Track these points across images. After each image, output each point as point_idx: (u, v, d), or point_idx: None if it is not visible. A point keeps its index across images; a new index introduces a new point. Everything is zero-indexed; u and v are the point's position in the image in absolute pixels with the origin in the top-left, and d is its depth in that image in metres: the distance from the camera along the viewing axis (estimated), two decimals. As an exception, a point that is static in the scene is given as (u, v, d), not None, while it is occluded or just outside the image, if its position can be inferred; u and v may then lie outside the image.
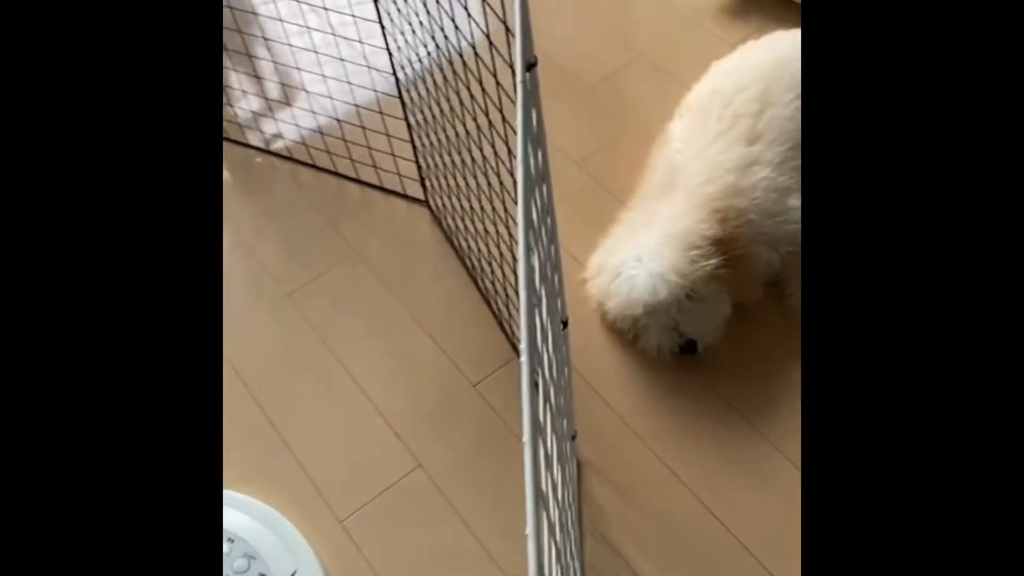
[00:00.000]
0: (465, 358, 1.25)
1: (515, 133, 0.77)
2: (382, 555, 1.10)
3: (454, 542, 1.10)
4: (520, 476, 1.13)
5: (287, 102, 1.46)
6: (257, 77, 1.51)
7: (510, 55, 0.76)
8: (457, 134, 1.11)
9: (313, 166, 1.49)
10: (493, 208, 1.07)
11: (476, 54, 0.88)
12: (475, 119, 0.99)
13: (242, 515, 1.10)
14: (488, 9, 0.79)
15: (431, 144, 1.25)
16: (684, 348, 1.19)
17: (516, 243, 1.01)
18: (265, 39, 1.41)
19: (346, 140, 1.42)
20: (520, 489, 1.12)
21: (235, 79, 1.56)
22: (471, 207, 1.18)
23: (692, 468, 1.13)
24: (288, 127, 1.49)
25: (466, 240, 1.29)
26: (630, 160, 1.37)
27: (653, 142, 1.35)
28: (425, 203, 1.42)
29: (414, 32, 1.08)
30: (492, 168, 1.02)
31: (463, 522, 1.11)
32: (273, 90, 1.50)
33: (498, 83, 0.84)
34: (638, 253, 1.19)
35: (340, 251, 1.38)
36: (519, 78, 0.59)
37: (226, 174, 1.49)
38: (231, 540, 1.08)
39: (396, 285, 1.34)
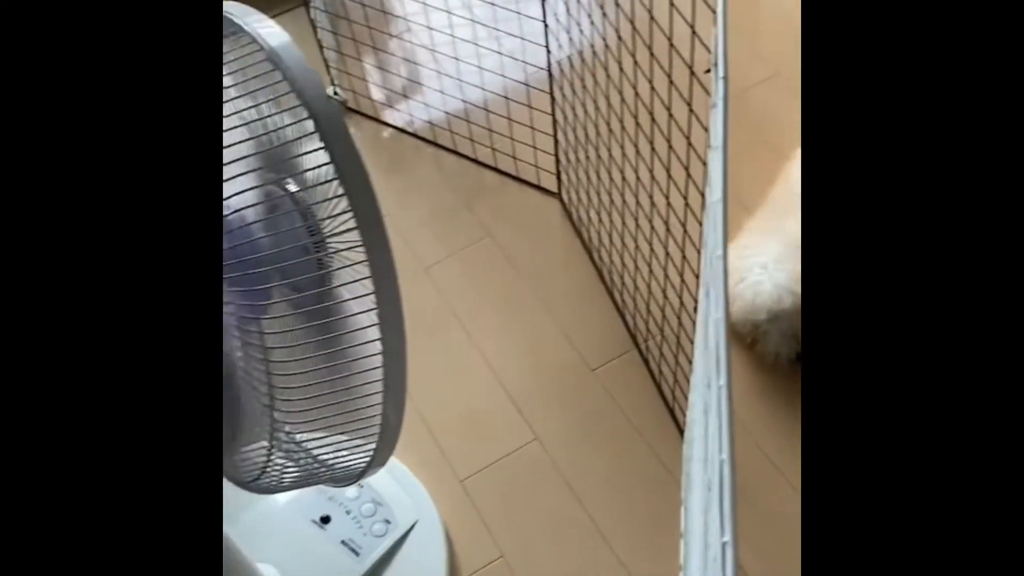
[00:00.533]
0: (586, 344, 1.32)
1: (682, 131, 0.83)
2: (497, 516, 1.17)
3: (564, 513, 1.17)
4: (631, 457, 1.19)
5: (440, 89, 1.55)
6: (413, 63, 1.61)
7: (691, 56, 0.82)
8: (611, 130, 1.18)
9: (455, 151, 1.58)
10: (637, 202, 1.13)
11: (652, 55, 0.95)
12: (635, 116, 1.06)
13: (371, 464, 1.19)
14: (675, 12, 0.86)
15: (576, 139, 1.32)
16: (801, 356, 1.23)
17: (671, 237, 1.07)
18: (429, 28, 1.50)
19: (491, 130, 1.51)
20: (630, 468, 1.18)
21: (388, 62, 1.66)
22: (611, 201, 1.24)
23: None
24: (437, 113, 1.59)
25: (597, 233, 1.36)
26: (761, 171, 1.42)
27: (787, 158, 1.40)
28: (557, 196, 1.50)
29: (581, 31, 1.15)
30: (645, 164, 1.09)
31: (574, 496, 1.18)
32: (425, 76, 1.59)
33: (671, 82, 0.91)
34: (764, 261, 1.24)
35: (475, 233, 1.47)
36: (719, 73, 0.66)
37: (374, 153, 1.59)
38: (360, 486, 1.16)
39: (525, 269, 1.41)
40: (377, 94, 1.66)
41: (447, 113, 1.57)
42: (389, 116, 1.64)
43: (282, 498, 1.15)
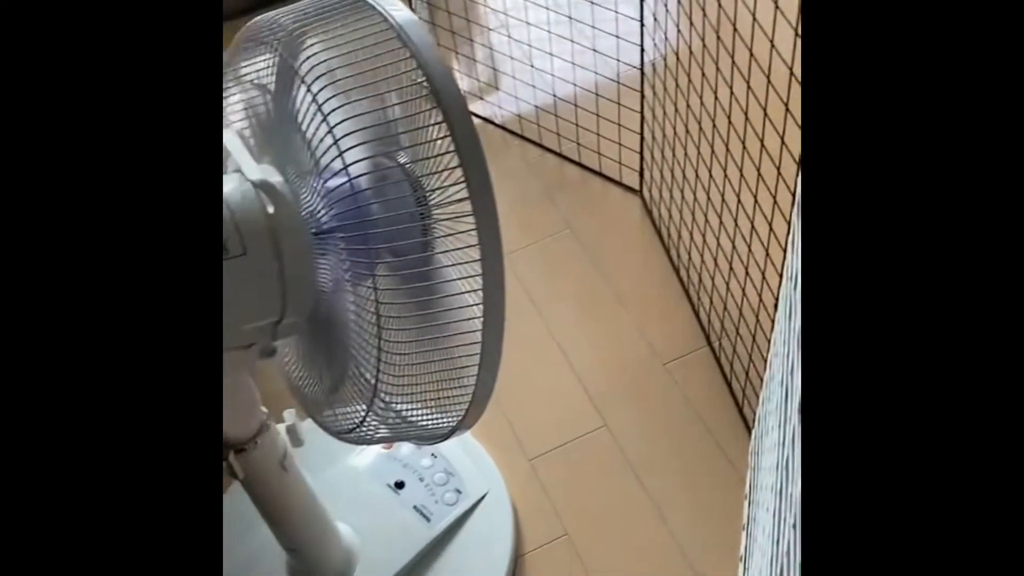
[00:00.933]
0: (658, 338, 1.35)
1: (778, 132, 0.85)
2: (563, 496, 1.21)
3: (628, 498, 1.20)
4: (697, 449, 1.22)
5: (531, 83, 1.60)
6: (507, 56, 1.65)
7: (791, 56, 0.85)
8: (701, 128, 1.21)
9: (540, 144, 1.62)
10: (723, 200, 1.16)
11: (752, 55, 0.97)
12: (728, 115, 1.09)
13: (445, 437, 1.24)
14: (778, 12, 0.89)
15: (664, 137, 1.35)
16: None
17: (756, 235, 1.09)
18: (527, 24, 1.54)
19: (578, 125, 1.54)
20: (695, 460, 1.21)
21: (482, 54, 1.71)
22: (694, 198, 1.27)
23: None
24: (526, 106, 1.63)
25: (677, 230, 1.39)
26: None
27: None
28: (639, 192, 1.53)
29: (679, 31, 1.18)
30: (734, 162, 1.11)
31: (639, 482, 1.21)
32: (518, 70, 1.64)
33: (769, 82, 0.93)
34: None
35: (556, 224, 1.51)
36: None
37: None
38: (434, 456, 1.21)
39: (603, 262, 1.45)
40: (467, 84, 1.71)
41: (536, 107, 1.62)
42: (477, 107, 1.69)
43: (361, 462, 1.20)
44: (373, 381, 0.75)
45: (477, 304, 0.71)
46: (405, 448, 1.21)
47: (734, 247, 1.14)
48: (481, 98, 1.70)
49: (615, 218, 1.51)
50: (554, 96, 1.56)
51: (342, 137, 0.67)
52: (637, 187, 1.53)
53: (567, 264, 1.46)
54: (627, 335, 1.36)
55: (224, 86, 0.81)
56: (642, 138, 1.45)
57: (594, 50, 1.43)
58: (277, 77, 0.75)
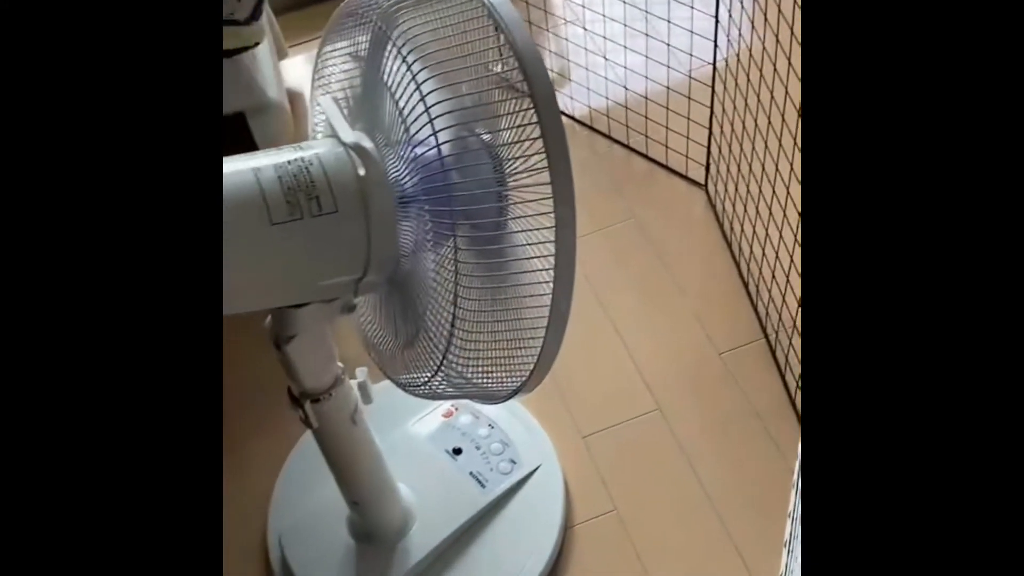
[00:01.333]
0: (716, 329, 1.38)
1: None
2: (613, 473, 1.25)
3: (678, 480, 1.23)
4: (748, 437, 1.24)
5: (604, 76, 1.63)
6: (582, 47, 1.69)
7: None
8: (770, 123, 1.23)
9: (608, 136, 1.66)
10: (788, 195, 1.19)
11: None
12: (799, 112, 1.11)
13: (503, 410, 1.28)
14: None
15: (733, 132, 1.38)
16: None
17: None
18: (604, 17, 1.58)
19: (648, 118, 1.58)
20: (745, 447, 1.23)
21: (556, 45, 1.75)
22: (759, 193, 1.30)
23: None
24: (597, 98, 1.67)
25: (740, 225, 1.41)
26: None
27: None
28: (703, 187, 1.56)
29: (753, 29, 1.21)
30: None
31: (689, 465, 1.24)
32: (592, 63, 1.68)
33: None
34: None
35: (621, 214, 1.54)
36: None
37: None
38: (491, 426, 1.26)
39: (664, 252, 1.48)
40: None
41: (607, 98, 1.65)
42: (550, 96, 1.73)
43: (422, 428, 1.25)
44: (446, 339, 0.80)
45: (547, 269, 0.75)
46: (464, 417, 1.26)
47: (796, 242, 1.17)
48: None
49: (679, 210, 1.54)
50: (625, 89, 1.60)
51: (432, 106, 0.72)
52: (702, 181, 1.56)
53: (630, 252, 1.49)
54: (685, 323, 1.39)
55: (322, 57, 0.87)
56: (710, 133, 1.48)
57: (668, 44, 1.46)
58: (371, 49, 0.80)
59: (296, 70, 1.85)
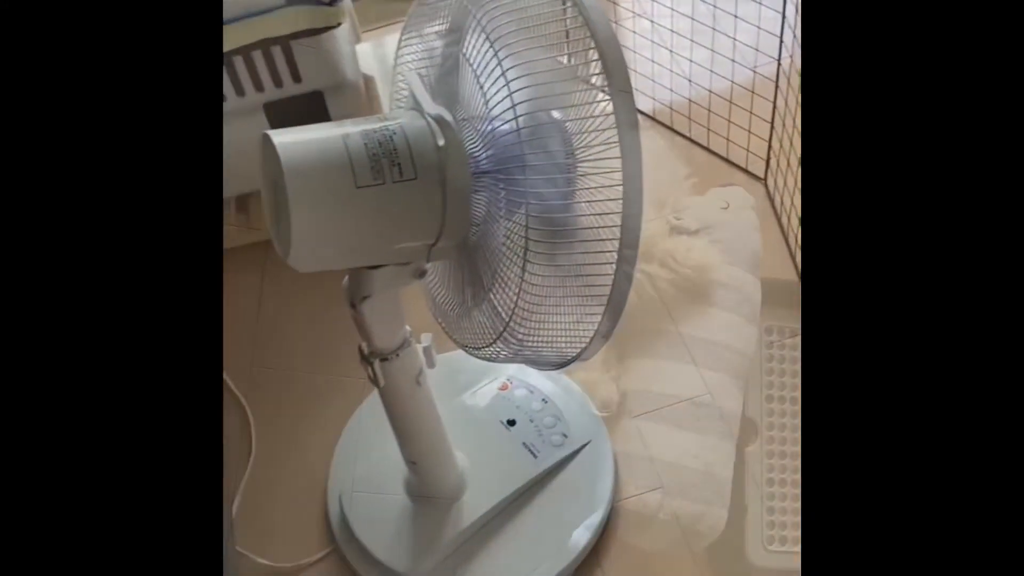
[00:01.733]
0: (768, 320, 1.40)
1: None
2: (661, 452, 1.28)
3: (726, 465, 1.26)
4: (796, 427, 1.27)
5: (670, 68, 1.67)
6: (650, 40, 1.72)
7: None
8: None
9: (671, 128, 1.69)
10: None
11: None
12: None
13: (556, 386, 1.33)
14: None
15: (794, 127, 1.40)
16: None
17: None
18: (672, 10, 1.61)
19: (711, 111, 1.61)
20: (793, 436, 1.26)
21: (623, 38, 1.78)
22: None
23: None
24: (662, 91, 1.70)
25: (799, 219, 1.44)
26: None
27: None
28: (763, 180, 1.58)
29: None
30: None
31: (737, 451, 1.27)
32: (658, 55, 1.71)
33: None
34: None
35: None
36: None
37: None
38: (544, 401, 1.30)
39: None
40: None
41: (671, 90, 1.68)
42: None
43: (479, 399, 1.30)
44: (511, 307, 0.85)
45: (613, 239, 0.79)
46: (519, 391, 1.31)
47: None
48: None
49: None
50: (689, 82, 1.63)
51: (512, 80, 0.76)
52: (762, 175, 1.58)
53: (686, 242, 1.52)
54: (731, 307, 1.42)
55: (406, 31, 0.92)
56: (772, 127, 1.50)
57: (735, 39, 1.48)
58: (454, 26, 0.85)
59: (368, 55, 1.91)
